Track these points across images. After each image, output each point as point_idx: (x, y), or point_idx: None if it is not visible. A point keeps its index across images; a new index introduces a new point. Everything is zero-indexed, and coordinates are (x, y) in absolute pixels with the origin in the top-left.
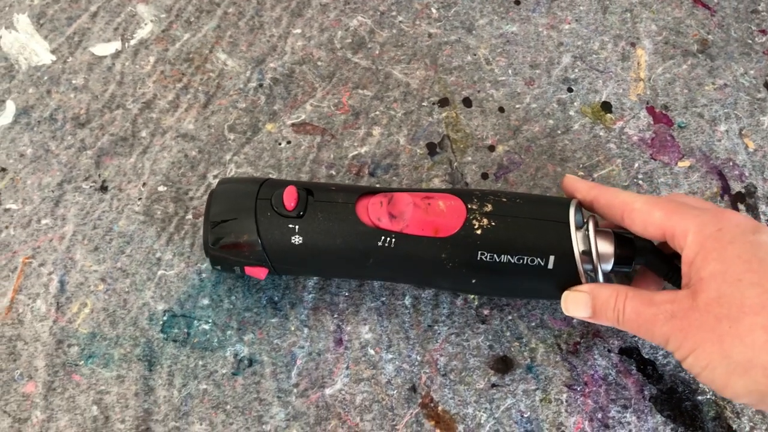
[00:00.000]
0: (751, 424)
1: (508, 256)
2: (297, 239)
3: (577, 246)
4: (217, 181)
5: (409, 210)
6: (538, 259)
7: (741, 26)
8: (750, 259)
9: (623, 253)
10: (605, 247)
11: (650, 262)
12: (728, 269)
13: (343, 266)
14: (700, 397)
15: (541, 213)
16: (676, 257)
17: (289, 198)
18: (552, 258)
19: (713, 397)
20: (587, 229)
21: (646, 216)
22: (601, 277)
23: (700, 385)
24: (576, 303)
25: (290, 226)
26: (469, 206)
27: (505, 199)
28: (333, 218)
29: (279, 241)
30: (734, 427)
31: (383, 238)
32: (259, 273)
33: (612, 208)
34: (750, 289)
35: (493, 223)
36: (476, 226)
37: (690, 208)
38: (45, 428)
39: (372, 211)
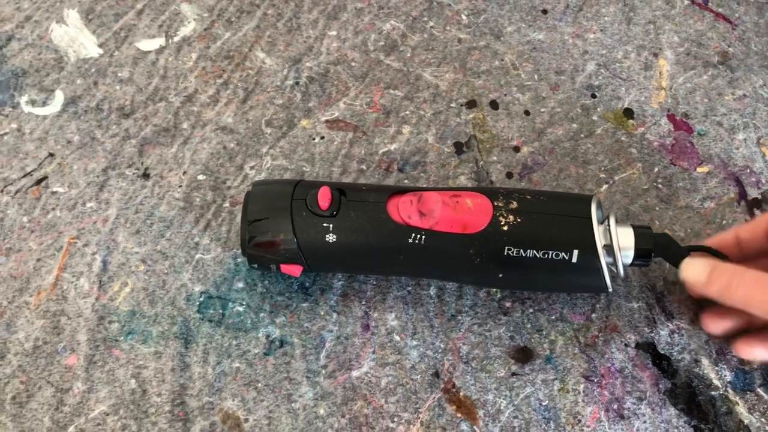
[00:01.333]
0: (764, 419)
1: (534, 251)
2: (331, 237)
3: (600, 240)
4: (253, 172)
5: (438, 208)
6: (563, 253)
7: (761, 40)
8: None
9: (642, 246)
10: (626, 241)
11: (668, 255)
12: None
13: (375, 263)
14: (713, 393)
15: (564, 209)
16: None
17: (324, 198)
18: (576, 252)
19: (726, 393)
20: (608, 224)
21: None
22: (621, 271)
23: (714, 381)
24: (695, 268)
25: (324, 224)
26: (496, 203)
27: (529, 197)
28: (365, 217)
29: (314, 239)
30: (746, 422)
31: (413, 235)
32: (294, 270)
33: None
34: None
35: (518, 220)
36: (503, 223)
37: None
38: (85, 398)
39: (402, 210)
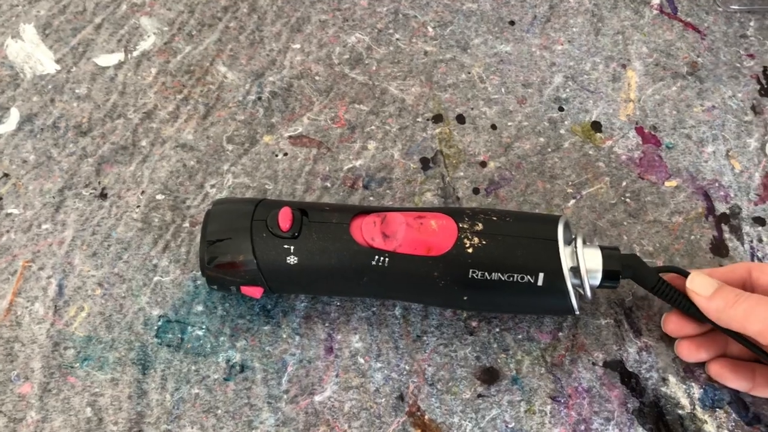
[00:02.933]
0: None
1: (499, 274)
2: (292, 259)
3: (566, 263)
4: (214, 190)
5: (402, 230)
6: (528, 276)
7: (730, 50)
8: None
9: (610, 268)
10: (593, 263)
11: (637, 276)
12: None
13: (338, 285)
14: (680, 412)
15: (530, 231)
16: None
17: (284, 219)
18: (542, 275)
19: (694, 411)
20: (575, 246)
21: None
22: (588, 293)
23: (681, 400)
24: (702, 283)
25: (285, 246)
26: (460, 225)
27: (495, 218)
28: (327, 238)
29: (274, 261)
30: None
31: (377, 257)
32: (255, 292)
33: None
34: None
35: (483, 242)
36: (467, 245)
37: None
38: (40, 428)
39: (366, 231)
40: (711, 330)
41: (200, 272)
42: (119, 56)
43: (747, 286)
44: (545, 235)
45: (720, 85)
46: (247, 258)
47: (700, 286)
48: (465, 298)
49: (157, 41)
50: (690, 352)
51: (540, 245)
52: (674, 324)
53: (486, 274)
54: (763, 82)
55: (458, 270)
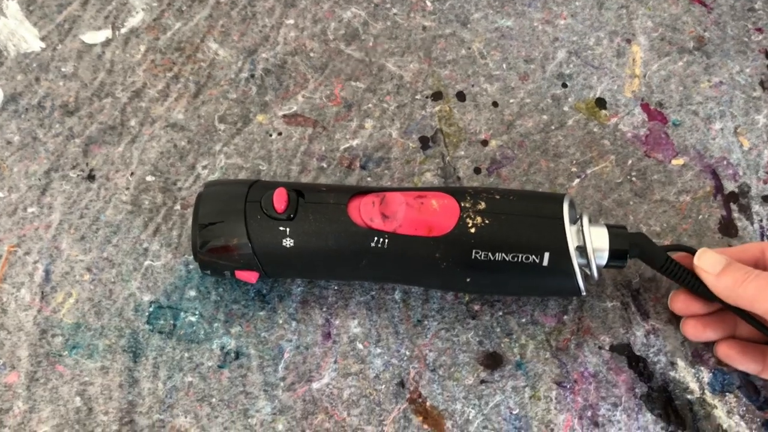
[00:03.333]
0: (743, 423)
1: (503, 254)
2: (288, 242)
3: (572, 241)
4: (206, 172)
5: (402, 210)
6: (533, 256)
7: (737, 24)
8: None
9: (617, 247)
10: (600, 241)
11: (644, 255)
12: None
13: (336, 268)
14: (690, 396)
15: (534, 209)
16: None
17: (280, 200)
18: (547, 255)
19: (703, 396)
20: (581, 225)
21: None
22: (595, 273)
23: (690, 384)
24: (710, 259)
25: (281, 228)
26: (462, 204)
27: (498, 197)
28: (324, 220)
29: (270, 244)
30: (725, 426)
31: (376, 238)
32: (250, 277)
33: None
34: None
35: (486, 221)
36: (470, 225)
37: None
38: (27, 419)
39: (364, 212)
40: (720, 310)
41: (192, 257)
42: (107, 33)
43: (760, 266)
44: (550, 214)
45: (727, 60)
46: (241, 241)
47: (708, 263)
48: (468, 280)
49: (146, 17)
50: (696, 331)
51: (545, 224)
52: (681, 303)
53: (489, 254)
54: None
55: (461, 251)
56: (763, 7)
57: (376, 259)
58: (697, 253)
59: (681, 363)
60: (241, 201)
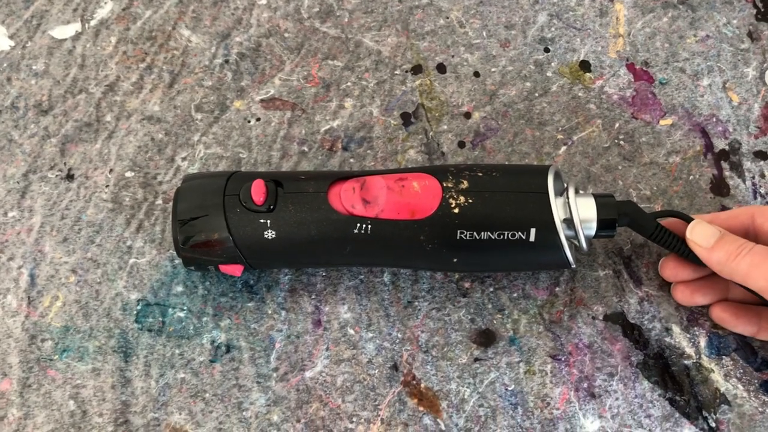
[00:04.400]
0: (740, 386)
1: (488, 233)
2: (270, 234)
3: (558, 215)
4: (185, 164)
5: (383, 194)
6: (519, 233)
7: None
8: None
9: (605, 216)
10: (587, 212)
11: (634, 223)
12: None
13: (320, 256)
14: (686, 362)
15: (518, 185)
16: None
17: (258, 192)
18: (533, 230)
19: (699, 360)
20: (567, 196)
21: None
22: (584, 244)
23: (686, 349)
24: (703, 232)
25: (261, 221)
26: (445, 185)
27: (480, 174)
28: (305, 209)
29: (251, 237)
30: (722, 389)
31: (359, 225)
32: (235, 270)
33: None
34: None
35: (470, 201)
36: (453, 205)
37: None
38: (22, 426)
39: (345, 199)
40: (711, 274)
41: (176, 254)
42: (76, 27)
43: (750, 232)
44: (534, 188)
45: (714, 13)
46: (222, 236)
47: (700, 236)
48: (455, 260)
49: (115, 7)
50: (686, 296)
51: (529, 199)
52: (672, 269)
53: (475, 234)
54: (759, 5)
55: (445, 232)
56: None
57: (360, 246)
58: (689, 226)
59: (676, 329)
60: (219, 195)
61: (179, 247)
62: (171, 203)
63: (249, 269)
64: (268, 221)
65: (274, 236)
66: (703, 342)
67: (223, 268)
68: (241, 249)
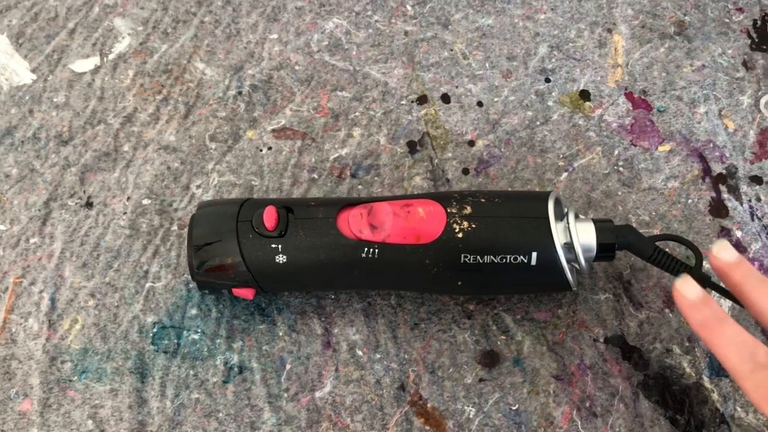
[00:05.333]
0: (739, 406)
1: (491, 257)
2: (281, 258)
3: (558, 239)
4: (200, 191)
5: (390, 220)
6: (521, 256)
7: (717, 5)
8: None
9: (604, 240)
10: (586, 237)
11: (633, 247)
12: None
13: (330, 280)
14: (687, 382)
15: (520, 210)
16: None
17: (269, 218)
18: (534, 254)
19: (700, 381)
20: (567, 221)
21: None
22: (584, 267)
23: (687, 370)
24: (691, 286)
25: (273, 246)
26: (449, 210)
27: (483, 200)
28: (315, 234)
29: (263, 261)
30: (721, 410)
31: (366, 249)
32: (247, 293)
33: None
34: None
35: (473, 226)
36: (457, 230)
37: None
38: None
39: (353, 224)
40: None
41: (191, 278)
42: (95, 60)
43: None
44: (535, 213)
45: (709, 43)
46: (235, 260)
47: (687, 289)
48: (459, 283)
49: (133, 42)
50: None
51: (531, 224)
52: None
53: (478, 257)
54: (754, 36)
55: (449, 256)
56: None
57: (367, 269)
58: (678, 278)
59: (677, 349)
60: (233, 221)
61: (194, 272)
62: (186, 229)
63: (261, 293)
64: (280, 246)
65: (285, 261)
66: (703, 363)
67: (236, 291)
68: (253, 273)
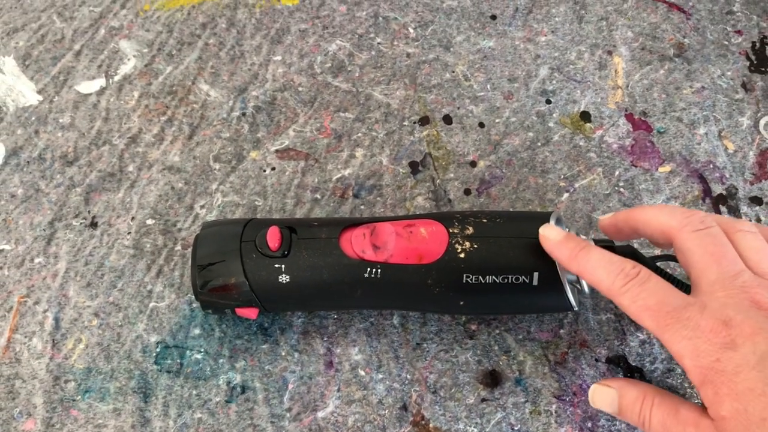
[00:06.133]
0: None
1: (493, 277)
2: (284, 278)
3: None
4: (204, 211)
5: (392, 240)
6: (523, 277)
7: (716, 28)
8: (764, 391)
9: None
10: None
11: None
12: (748, 407)
13: (332, 300)
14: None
15: (521, 230)
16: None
17: (273, 238)
18: (536, 275)
19: (699, 402)
20: None
21: (636, 319)
22: (586, 288)
23: (689, 390)
24: (602, 398)
25: (276, 266)
26: (451, 230)
27: (485, 220)
28: (318, 254)
29: (266, 281)
30: None
31: (369, 269)
32: (250, 313)
33: None
34: None
35: (475, 246)
36: (459, 250)
37: (679, 321)
38: None
39: (356, 244)
40: None
41: (194, 298)
42: (101, 82)
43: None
44: (537, 234)
45: (708, 65)
46: (238, 280)
47: (602, 406)
48: (461, 303)
49: (138, 64)
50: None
51: (532, 244)
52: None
53: (480, 278)
54: (753, 58)
55: (452, 276)
56: (741, 9)
57: (370, 289)
58: (589, 395)
59: (678, 369)
60: (236, 241)
61: (197, 291)
62: (190, 249)
63: (264, 312)
64: (283, 266)
65: (288, 280)
66: None
67: (239, 311)
68: (256, 293)
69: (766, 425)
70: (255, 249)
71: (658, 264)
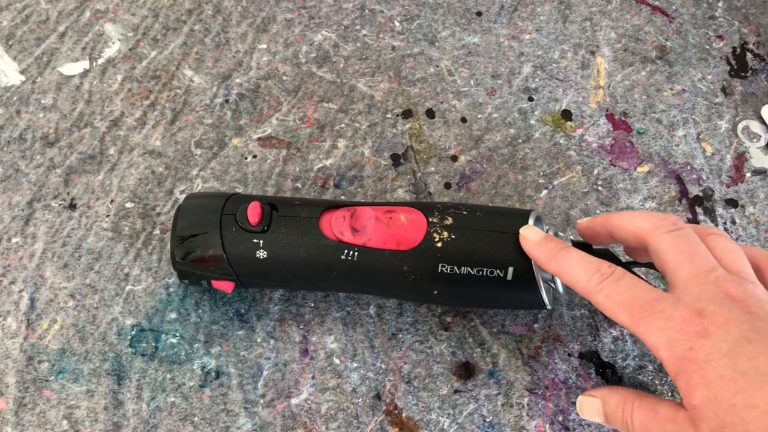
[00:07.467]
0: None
1: (468, 268)
2: (262, 253)
3: None
4: (184, 196)
5: (371, 224)
6: (498, 270)
7: (699, 32)
8: (734, 377)
9: None
10: None
11: None
12: (717, 394)
13: (308, 279)
14: None
15: (500, 225)
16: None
17: (253, 213)
18: (511, 269)
19: (672, 397)
20: None
21: (612, 316)
22: (560, 288)
23: (659, 387)
24: (589, 408)
25: (255, 240)
26: (430, 219)
27: (465, 212)
28: (297, 233)
29: (244, 255)
30: None
31: (346, 251)
32: (226, 286)
33: None
34: (747, 412)
35: (453, 236)
36: (437, 239)
37: (653, 314)
38: None
39: (335, 226)
40: None
41: (172, 267)
42: (84, 64)
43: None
44: (515, 229)
45: (689, 68)
46: (216, 252)
47: (590, 416)
48: (435, 292)
49: (122, 47)
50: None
51: (509, 239)
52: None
53: (455, 268)
54: (733, 63)
55: (427, 264)
56: (723, 15)
57: (346, 271)
58: (577, 407)
59: (650, 366)
60: (217, 214)
61: (175, 261)
62: (168, 234)
63: (240, 287)
64: (261, 241)
65: (265, 256)
66: None
67: (215, 283)
68: (233, 266)
69: (735, 411)
70: (235, 223)
71: (634, 270)
